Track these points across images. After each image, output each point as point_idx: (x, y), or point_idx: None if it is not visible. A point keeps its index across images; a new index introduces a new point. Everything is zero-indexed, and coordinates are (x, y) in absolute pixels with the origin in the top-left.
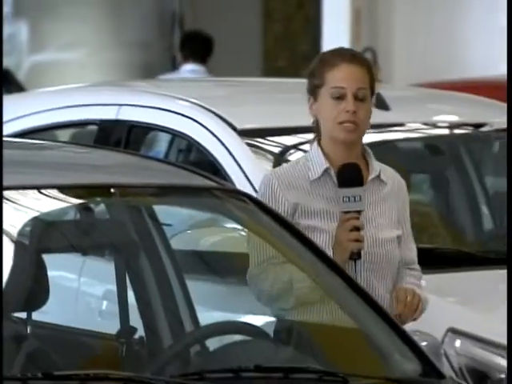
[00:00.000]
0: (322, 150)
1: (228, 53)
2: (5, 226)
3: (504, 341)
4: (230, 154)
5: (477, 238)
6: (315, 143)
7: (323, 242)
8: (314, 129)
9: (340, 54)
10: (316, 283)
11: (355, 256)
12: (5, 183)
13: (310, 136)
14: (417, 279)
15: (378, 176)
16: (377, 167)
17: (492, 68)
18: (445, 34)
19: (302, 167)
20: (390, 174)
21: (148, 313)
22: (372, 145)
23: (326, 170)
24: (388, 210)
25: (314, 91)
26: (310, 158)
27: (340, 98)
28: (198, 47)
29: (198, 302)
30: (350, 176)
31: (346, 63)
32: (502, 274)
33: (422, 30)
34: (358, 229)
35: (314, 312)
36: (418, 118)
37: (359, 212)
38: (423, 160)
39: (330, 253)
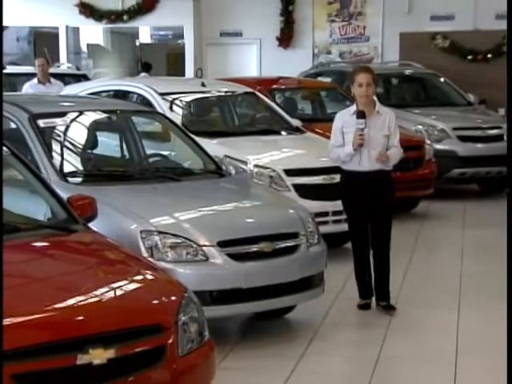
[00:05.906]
0: (356, 104)
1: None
2: (85, 123)
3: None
4: (156, 101)
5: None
6: (355, 103)
7: (350, 139)
8: (354, 97)
9: (359, 68)
10: (196, 154)
11: (360, 145)
12: (84, 108)
13: (184, 95)
14: (395, 150)
15: (378, 112)
16: (377, 108)
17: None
18: (226, 62)
19: (349, 110)
20: (385, 110)
21: (131, 149)
22: (197, 99)
23: (354, 111)
24: (382, 125)
25: (352, 83)
26: (353, 107)
27: (360, 85)
28: (146, 67)
29: (146, 147)
30: (360, 114)
31: (361, 72)
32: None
33: (218, 61)
34: (361, 135)
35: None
36: (216, 90)
37: (362, 129)
38: (215, 105)
39: (351, 144)
